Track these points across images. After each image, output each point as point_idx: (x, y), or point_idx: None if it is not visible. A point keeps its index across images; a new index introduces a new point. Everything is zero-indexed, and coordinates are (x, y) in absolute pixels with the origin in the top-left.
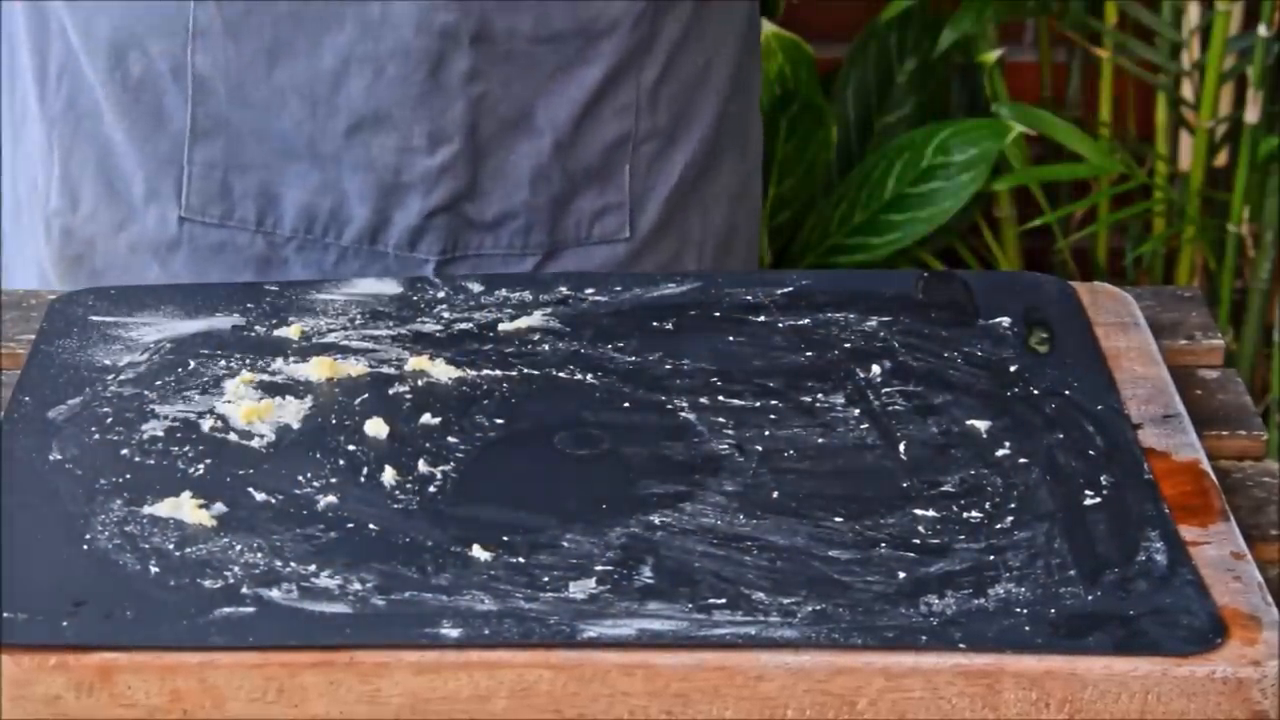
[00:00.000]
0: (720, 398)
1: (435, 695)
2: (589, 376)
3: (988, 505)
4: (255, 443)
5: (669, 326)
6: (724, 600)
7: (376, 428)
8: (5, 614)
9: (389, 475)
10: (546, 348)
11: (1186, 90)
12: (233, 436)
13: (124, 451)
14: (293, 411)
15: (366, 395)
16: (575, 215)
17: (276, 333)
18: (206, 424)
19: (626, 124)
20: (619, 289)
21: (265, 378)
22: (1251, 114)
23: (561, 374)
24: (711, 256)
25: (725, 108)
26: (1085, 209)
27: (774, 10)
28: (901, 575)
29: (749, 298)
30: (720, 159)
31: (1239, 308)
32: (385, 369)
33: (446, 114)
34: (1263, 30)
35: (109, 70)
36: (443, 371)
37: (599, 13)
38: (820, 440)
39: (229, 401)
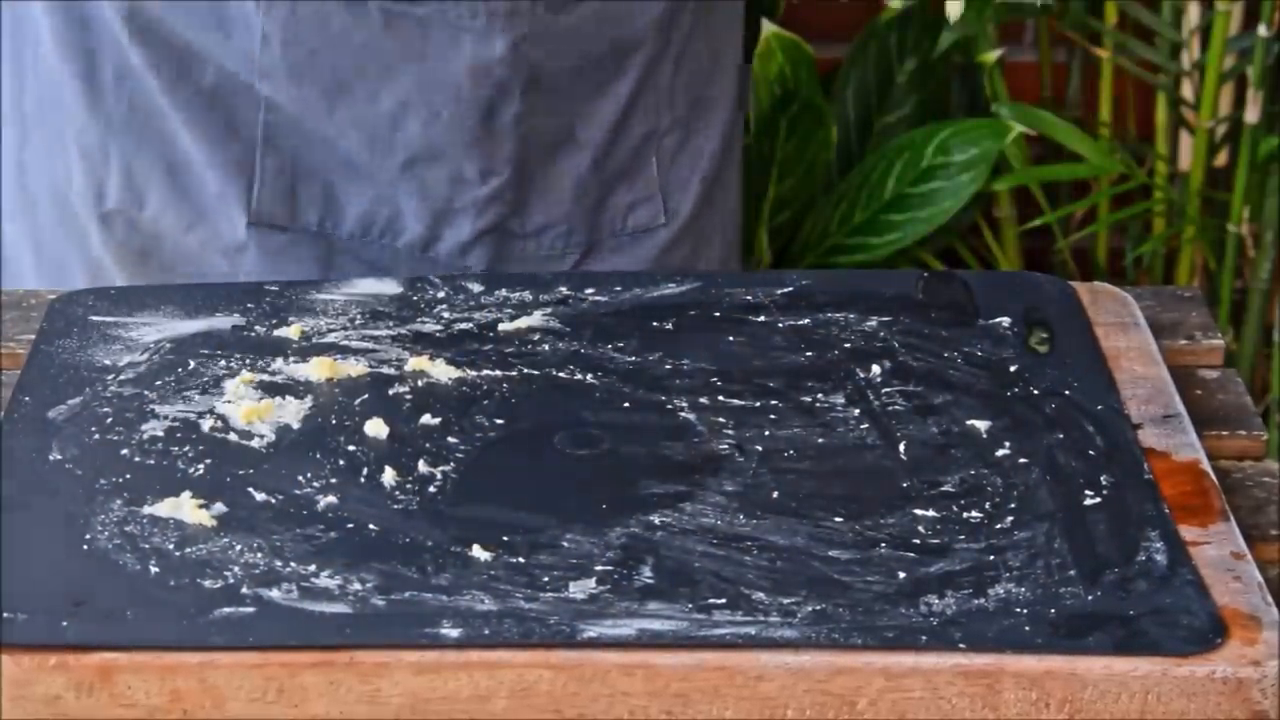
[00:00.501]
0: (720, 398)
1: (435, 695)
2: (589, 376)
3: (988, 505)
4: (255, 443)
5: (669, 326)
6: (724, 600)
7: (376, 428)
8: (5, 614)
9: (389, 475)
10: (546, 348)
11: (1186, 90)
12: (233, 437)
13: (124, 451)
14: (293, 412)
15: (366, 395)
16: (610, 212)
17: (276, 333)
18: (206, 424)
19: (651, 121)
20: (619, 289)
21: (265, 378)
22: (1251, 114)
23: (561, 374)
24: (734, 238)
25: (740, 88)
26: (1085, 209)
27: (774, 10)
28: (901, 575)
29: (749, 298)
30: (735, 144)
31: (1239, 308)
32: (385, 369)
33: (498, 152)
34: (1263, 30)
35: (175, 78)
36: (443, 372)
37: (628, 29)
38: (820, 440)
39: (229, 401)
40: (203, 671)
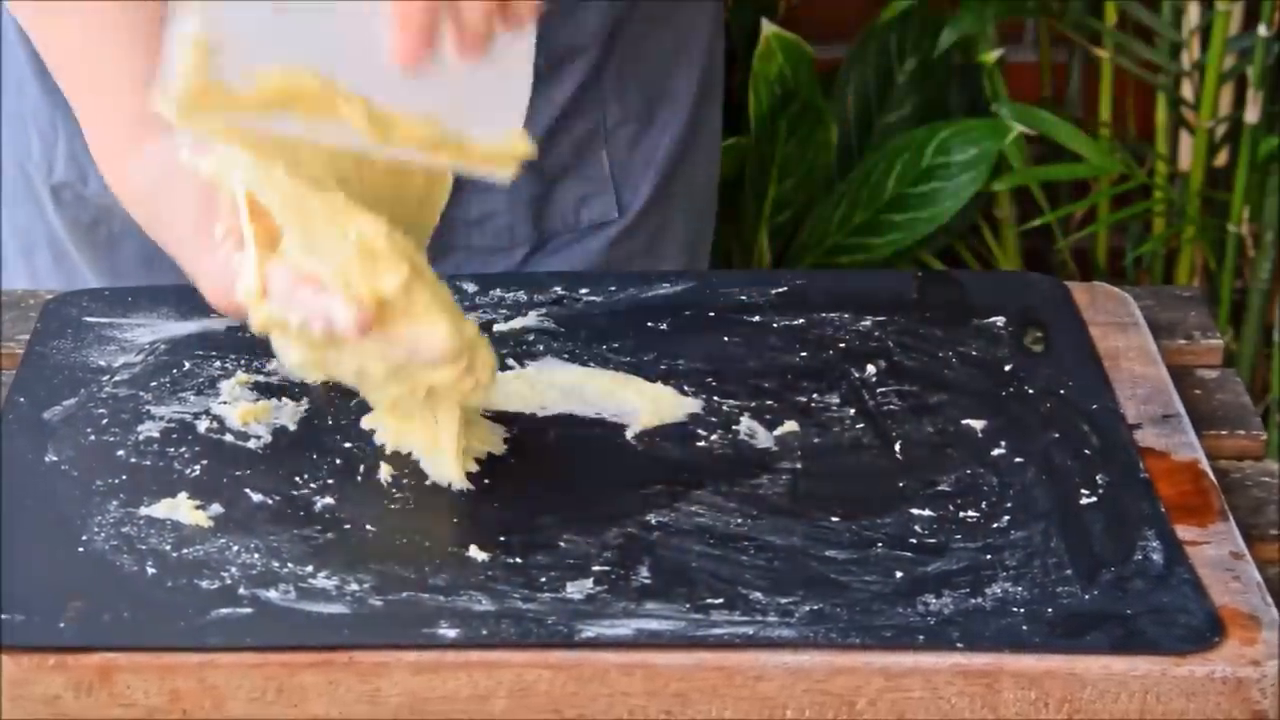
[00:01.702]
0: (715, 398)
1: (434, 695)
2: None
3: (984, 505)
4: (251, 444)
5: (664, 326)
6: (721, 600)
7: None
8: (4, 615)
9: (385, 475)
10: (541, 348)
11: (1186, 90)
12: (229, 438)
13: (120, 453)
14: (289, 413)
15: (362, 396)
16: (559, 206)
17: None
18: (202, 425)
19: (595, 118)
20: (613, 289)
21: (261, 378)
22: (1251, 114)
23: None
24: (702, 234)
25: (705, 80)
26: (1085, 209)
27: (774, 10)
28: (899, 575)
29: (743, 297)
30: (700, 133)
31: (1239, 308)
32: None
33: None
34: (1263, 30)
35: None
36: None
37: (569, 40)
38: (816, 440)
39: (225, 402)
40: (202, 671)
